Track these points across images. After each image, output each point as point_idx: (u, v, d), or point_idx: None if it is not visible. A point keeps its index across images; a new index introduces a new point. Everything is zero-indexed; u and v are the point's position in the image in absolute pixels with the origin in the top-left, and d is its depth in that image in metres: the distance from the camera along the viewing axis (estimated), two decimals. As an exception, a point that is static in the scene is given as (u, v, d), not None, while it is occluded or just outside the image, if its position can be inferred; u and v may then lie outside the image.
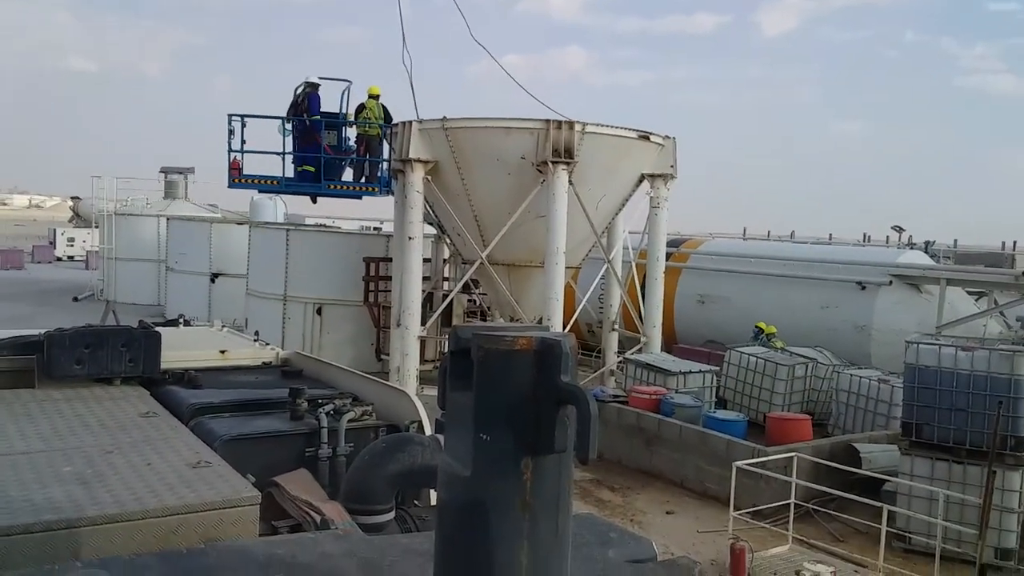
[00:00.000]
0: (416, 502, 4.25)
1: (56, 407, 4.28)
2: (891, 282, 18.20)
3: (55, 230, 55.13)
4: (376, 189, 19.04)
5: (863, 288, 18.46)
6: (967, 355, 10.75)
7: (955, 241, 33.69)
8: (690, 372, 15.47)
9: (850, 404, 14.75)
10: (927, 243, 28.56)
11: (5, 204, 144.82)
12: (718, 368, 16.36)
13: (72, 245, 51.07)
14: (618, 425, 14.09)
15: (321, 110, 18.38)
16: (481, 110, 15.13)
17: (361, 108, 18.39)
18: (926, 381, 10.94)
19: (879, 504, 10.17)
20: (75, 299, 31.24)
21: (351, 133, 19.06)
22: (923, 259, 20.69)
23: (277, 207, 27.63)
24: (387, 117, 18.17)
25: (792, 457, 11.08)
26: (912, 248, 25.27)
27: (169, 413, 4.36)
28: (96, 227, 35.27)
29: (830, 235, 36.98)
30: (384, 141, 18.30)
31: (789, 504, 10.58)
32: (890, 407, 13.93)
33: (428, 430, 4.43)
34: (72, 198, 73.04)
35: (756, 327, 18.31)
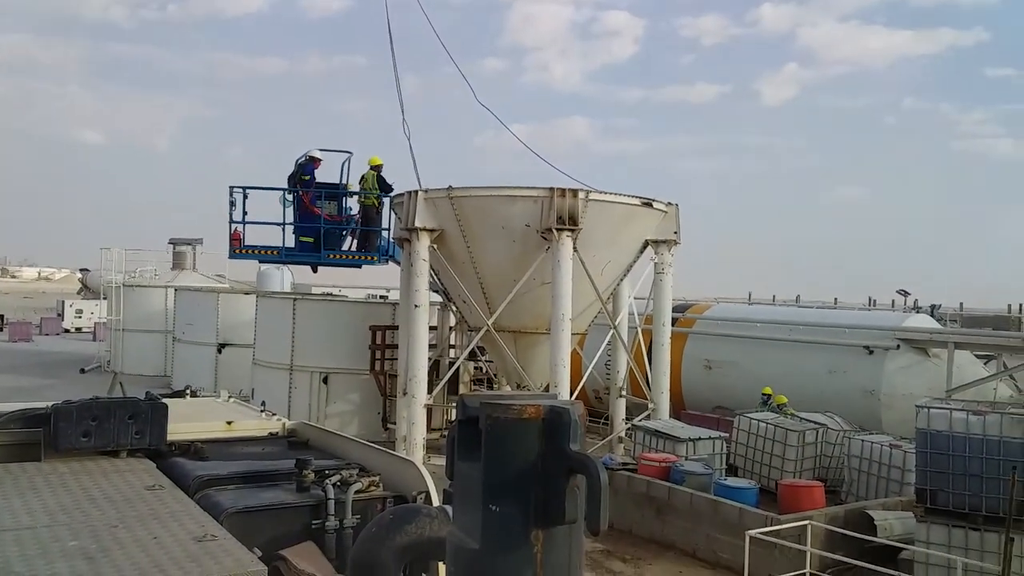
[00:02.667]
0: (424, 575, 4.18)
1: (62, 480, 4.26)
2: (899, 346, 18.12)
3: (63, 302, 55.41)
4: (375, 258, 19.22)
5: (871, 352, 18.37)
6: (979, 419, 10.66)
7: (961, 304, 33.64)
8: (699, 439, 15.32)
9: (862, 470, 14.56)
10: (933, 307, 28.54)
11: (14, 277, 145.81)
12: (727, 434, 16.21)
13: (80, 317, 51.28)
14: (628, 494, 13.90)
15: (318, 181, 18.71)
16: (487, 180, 15.40)
17: (363, 178, 18.73)
18: (938, 446, 10.82)
19: (896, 573, 9.96)
20: (82, 371, 31.25)
21: (353, 203, 19.34)
22: (930, 323, 20.64)
23: (284, 277, 27.83)
24: (384, 186, 18.44)
25: (806, 525, 10.89)
26: (918, 312, 25.23)
27: (175, 486, 4.33)
28: (104, 299, 35.47)
29: (835, 299, 36.96)
30: (379, 211, 18.58)
31: (804, 574, 10.36)
32: (903, 473, 13.74)
33: (435, 500, 4.38)
34: (81, 270, 73.74)
35: (763, 393, 18.17)
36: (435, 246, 15.93)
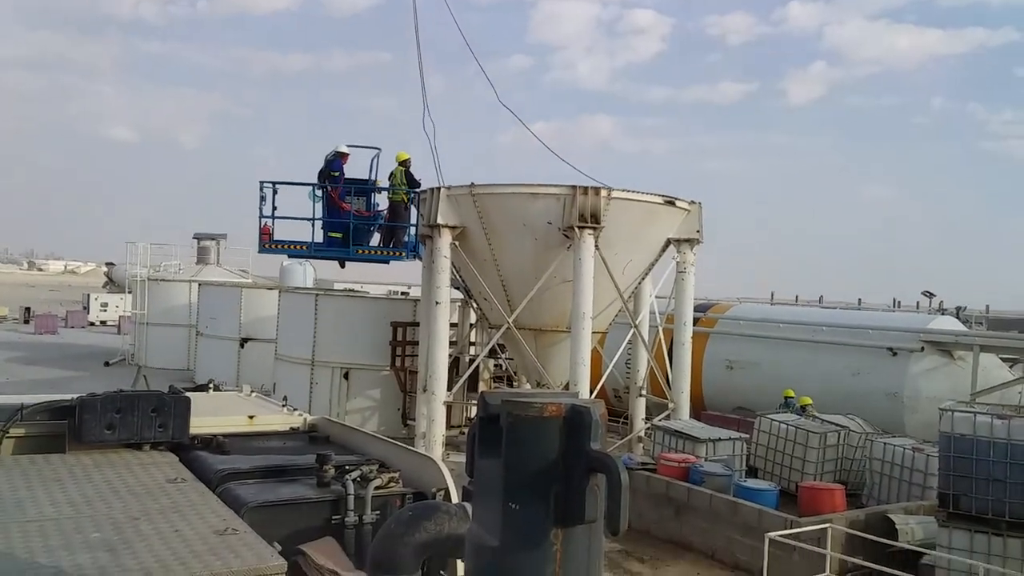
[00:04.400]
0: (443, 572, 4.19)
1: (86, 472, 4.30)
2: (923, 348, 17.92)
3: (89, 295, 55.90)
4: (402, 254, 19.25)
5: (894, 354, 18.18)
6: (1003, 424, 10.52)
7: (987, 307, 33.20)
8: (719, 440, 15.23)
9: (884, 473, 14.42)
10: (958, 308, 28.19)
11: (41, 270, 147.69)
12: (748, 436, 16.11)
13: (105, 310, 51.71)
14: (647, 494, 13.85)
15: (347, 176, 18.74)
16: (512, 177, 15.40)
17: (391, 175, 18.75)
18: (962, 450, 10.69)
19: (917, 578, 9.86)
20: (106, 364, 31.54)
21: (382, 199, 19.38)
22: (955, 325, 20.40)
23: (307, 272, 27.93)
24: (411, 182, 18.43)
25: (826, 529, 10.81)
26: (943, 313, 24.93)
27: (197, 479, 4.36)
28: (129, 292, 35.79)
29: (859, 300, 36.52)
30: (408, 208, 18.58)
31: (824, 577, 10.28)
32: (925, 476, 13.59)
33: (455, 497, 4.38)
34: (106, 264, 74.40)
35: (786, 396, 18.01)
36: (457, 243, 15.94)
